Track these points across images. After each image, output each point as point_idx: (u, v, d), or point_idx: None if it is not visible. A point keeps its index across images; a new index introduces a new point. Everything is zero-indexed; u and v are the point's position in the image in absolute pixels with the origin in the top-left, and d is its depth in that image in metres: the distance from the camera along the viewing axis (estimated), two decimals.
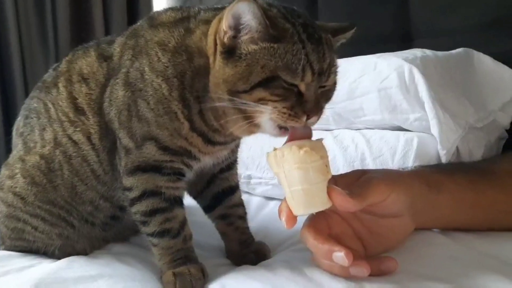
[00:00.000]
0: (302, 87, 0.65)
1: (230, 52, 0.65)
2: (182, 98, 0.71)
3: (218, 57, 0.67)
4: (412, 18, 1.41)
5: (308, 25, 0.66)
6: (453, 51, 1.19)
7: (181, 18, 0.75)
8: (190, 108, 0.72)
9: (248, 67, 0.64)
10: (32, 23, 1.86)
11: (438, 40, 1.33)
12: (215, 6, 0.74)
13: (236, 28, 0.65)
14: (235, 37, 0.65)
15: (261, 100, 0.64)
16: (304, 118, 0.65)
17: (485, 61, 1.17)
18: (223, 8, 0.70)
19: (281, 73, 0.63)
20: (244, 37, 0.64)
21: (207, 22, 0.71)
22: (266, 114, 0.65)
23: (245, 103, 0.65)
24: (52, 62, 1.86)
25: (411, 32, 1.41)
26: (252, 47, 0.64)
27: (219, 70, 0.66)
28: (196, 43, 0.71)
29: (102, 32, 1.98)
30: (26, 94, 1.84)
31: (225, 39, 0.66)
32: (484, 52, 1.19)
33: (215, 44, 0.68)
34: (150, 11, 2.16)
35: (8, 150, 1.78)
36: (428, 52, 1.13)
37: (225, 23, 0.65)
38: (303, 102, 0.65)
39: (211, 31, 0.69)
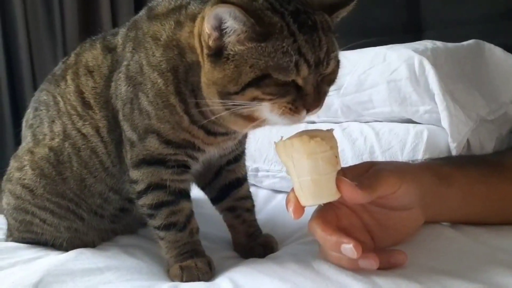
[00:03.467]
0: (300, 81, 0.62)
1: (217, 53, 0.63)
2: (178, 92, 0.70)
3: (206, 59, 0.64)
4: (422, 9, 1.41)
5: (299, 11, 0.62)
6: (464, 43, 1.18)
7: (173, 8, 0.73)
8: (187, 102, 0.71)
9: (237, 68, 0.61)
10: (39, 14, 1.87)
11: (448, 31, 1.32)
12: None
13: (220, 29, 0.62)
14: (220, 38, 0.62)
15: (255, 99, 0.62)
16: (304, 113, 0.63)
17: (496, 53, 1.16)
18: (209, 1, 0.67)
19: (273, 72, 0.60)
20: (229, 38, 0.61)
21: (193, 18, 0.68)
22: (265, 108, 0.63)
23: (239, 105, 0.62)
24: (59, 54, 1.87)
25: (421, 23, 1.41)
26: (239, 47, 0.61)
27: (208, 72, 0.64)
28: (186, 39, 0.69)
29: (109, 24, 1.98)
30: (34, 86, 1.85)
31: (210, 42, 0.63)
32: (495, 43, 1.18)
33: (201, 45, 0.65)
34: None
35: (17, 142, 1.79)
36: (438, 43, 1.12)
37: (207, 26, 0.62)
38: (302, 96, 0.62)
39: (196, 31, 0.67)
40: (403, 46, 1.11)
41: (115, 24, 2.01)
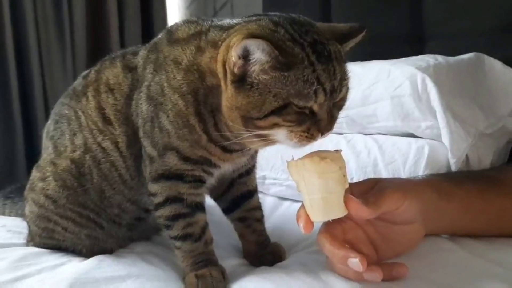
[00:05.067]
0: (315, 107, 0.66)
1: (241, 80, 0.66)
2: (198, 113, 0.74)
3: (230, 85, 0.67)
4: (425, 21, 1.42)
5: (317, 42, 0.66)
6: (465, 56, 1.20)
7: (193, 34, 0.75)
8: (206, 122, 0.74)
9: (261, 97, 0.65)
10: (49, 18, 1.91)
11: (451, 42, 1.34)
12: (225, 22, 0.74)
13: (246, 59, 0.65)
14: (244, 65, 0.65)
15: (275, 125, 0.66)
16: (319, 136, 0.67)
17: (495, 66, 1.18)
18: (230, 27, 0.71)
19: (294, 99, 0.64)
20: (254, 67, 0.65)
21: (215, 45, 0.71)
22: (281, 134, 0.67)
23: (258, 131, 0.67)
24: (69, 58, 1.92)
25: (423, 34, 1.42)
26: (263, 77, 0.64)
27: (231, 97, 0.67)
28: (206, 63, 0.72)
29: (116, 29, 2.02)
30: (44, 91, 1.90)
31: (235, 70, 0.66)
32: (496, 56, 1.20)
33: (225, 71, 0.68)
34: (164, 8, 2.20)
35: (27, 147, 1.83)
36: (440, 58, 1.15)
37: (234, 55, 0.65)
38: (317, 121, 0.67)
39: (220, 58, 0.69)
40: (406, 62, 1.14)
41: (121, 27, 2.05)
